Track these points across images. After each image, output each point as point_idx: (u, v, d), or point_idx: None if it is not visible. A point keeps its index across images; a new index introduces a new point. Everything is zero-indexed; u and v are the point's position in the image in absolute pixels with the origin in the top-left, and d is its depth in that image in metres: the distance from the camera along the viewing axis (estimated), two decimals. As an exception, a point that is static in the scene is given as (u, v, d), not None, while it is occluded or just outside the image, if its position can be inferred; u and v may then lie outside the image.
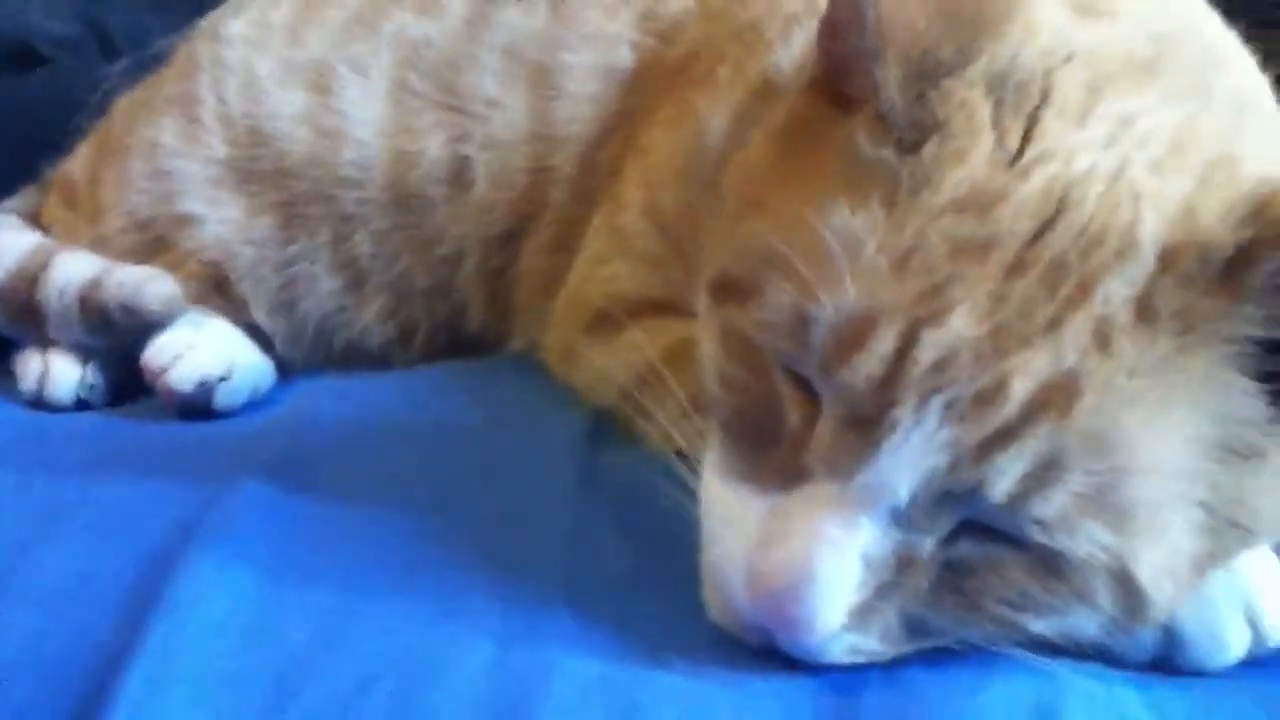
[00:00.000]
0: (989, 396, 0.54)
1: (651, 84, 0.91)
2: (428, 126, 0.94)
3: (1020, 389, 0.54)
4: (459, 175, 0.94)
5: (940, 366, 0.55)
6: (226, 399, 0.87)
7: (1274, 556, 0.65)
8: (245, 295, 0.96)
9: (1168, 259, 0.55)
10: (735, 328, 0.61)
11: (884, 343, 0.55)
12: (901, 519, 0.57)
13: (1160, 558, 0.57)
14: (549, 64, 0.93)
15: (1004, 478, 0.55)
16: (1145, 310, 0.55)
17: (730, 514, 0.60)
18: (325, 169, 0.95)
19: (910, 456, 0.55)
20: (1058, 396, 0.54)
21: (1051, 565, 0.57)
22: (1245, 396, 0.57)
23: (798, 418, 0.59)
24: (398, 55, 0.96)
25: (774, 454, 0.60)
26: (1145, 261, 0.55)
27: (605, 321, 0.83)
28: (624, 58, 0.92)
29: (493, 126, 0.93)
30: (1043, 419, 0.54)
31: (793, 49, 0.75)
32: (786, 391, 0.59)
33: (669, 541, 0.63)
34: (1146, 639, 0.62)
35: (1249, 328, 0.56)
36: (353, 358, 0.98)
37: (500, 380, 0.92)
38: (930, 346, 0.55)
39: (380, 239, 0.96)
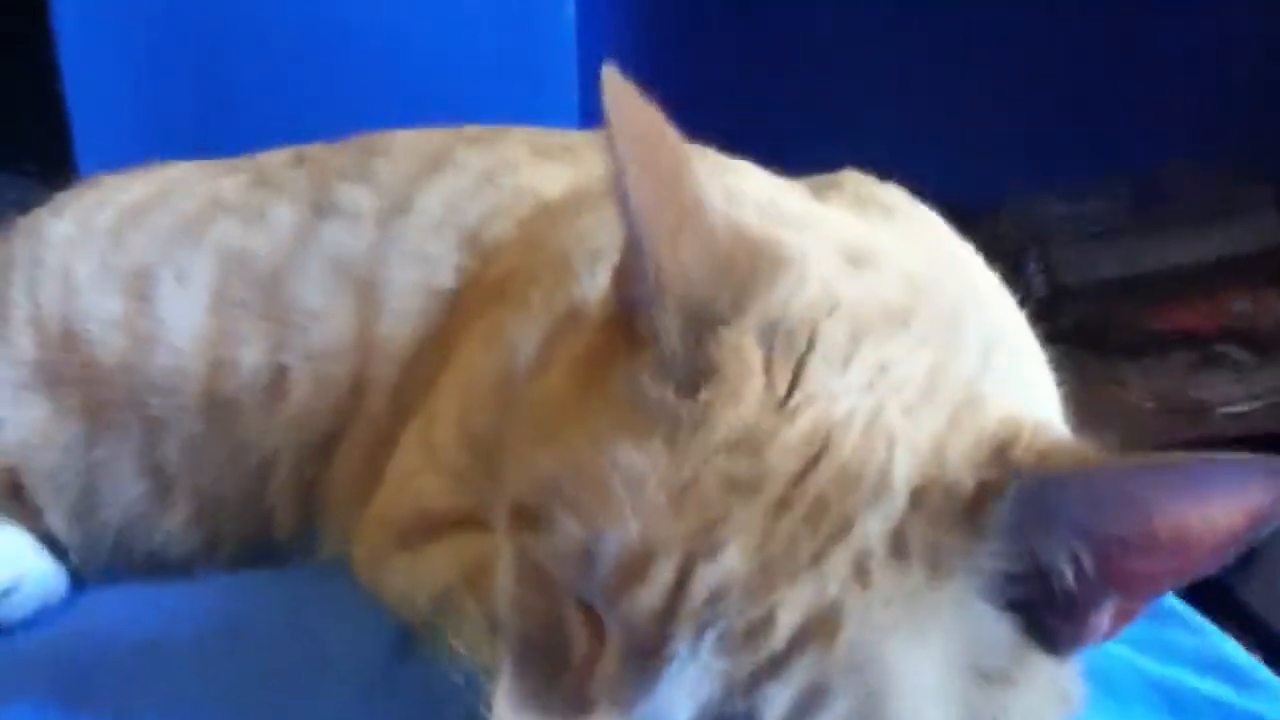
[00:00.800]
0: (758, 628, 0.57)
1: (470, 303, 0.93)
2: (246, 335, 0.95)
3: (787, 621, 0.57)
4: (275, 384, 0.94)
5: (713, 600, 0.57)
6: (12, 612, 0.84)
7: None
8: (41, 501, 0.94)
9: (918, 496, 0.59)
10: (529, 554, 0.62)
11: (662, 575, 0.57)
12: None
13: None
14: (373, 279, 0.95)
15: (773, 706, 0.57)
16: (899, 545, 0.58)
17: None
18: (138, 375, 0.95)
19: (687, 687, 0.57)
20: (821, 627, 0.57)
21: None
22: (993, 624, 0.60)
23: (585, 647, 0.60)
24: (221, 265, 0.97)
25: (563, 683, 0.60)
26: (898, 499, 0.59)
27: (413, 534, 0.84)
28: (446, 277, 0.94)
29: (313, 337, 0.94)
30: (808, 648, 0.57)
31: (598, 281, 0.79)
32: (575, 620, 0.60)
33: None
34: None
35: (992, 561, 0.59)
36: (155, 567, 0.96)
37: (305, 588, 0.91)
38: (704, 580, 0.57)
39: (190, 445, 0.95)
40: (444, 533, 0.81)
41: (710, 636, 0.57)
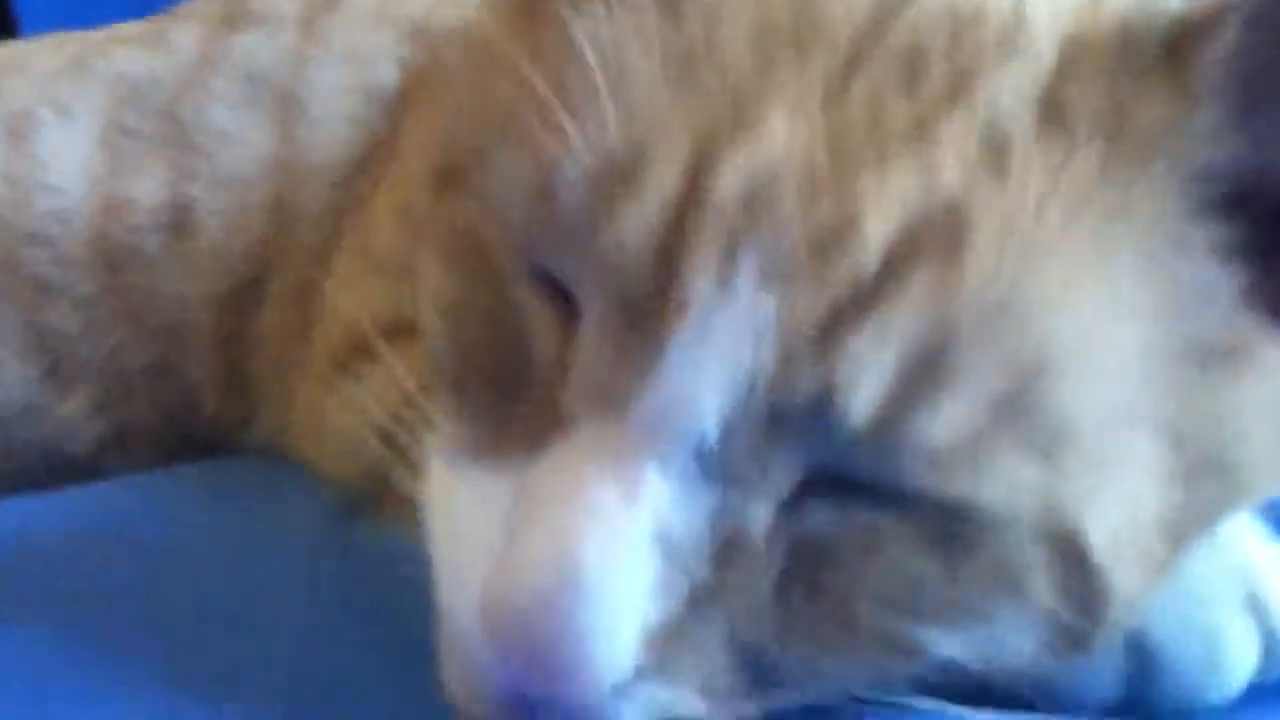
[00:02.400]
0: (830, 244, 0.36)
1: (419, 101, 0.74)
2: (143, 167, 0.76)
3: (877, 231, 0.36)
4: (180, 222, 0.75)
5: (751, 204, 0.36)
6: None
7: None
8: None
9: (1074, 47, 0.38)
10: (462, 226, 0.42)
11: (664, 180, 0.37)
12: (713, 468, 0.37)
13: (1114, 512, 0.38)
14: (294, 87, 0.77)
15: (865, 379, 0.36)
16: (1052, 112, 0.37)
17: (463, 513, 0.41)
18: (12, 227, 0.76)
19: (715, 356, 0.36)
20: (935, 241, 0.36)
21: (953, 531, 0.37)
22: (1208, 266, 0.39)
23: (550, 342, 0.40)
24: (113, 93, 0.79)
25: (520, 408, 0.40)
26: (1042, 43, 0.38)
27: (357, 354, 0.64)
28: (386, 75, 0.76)
29: (221, 162, 0.76)
30: (915, 278, 0.35)
31: None
32: (532, 308, 0.40)
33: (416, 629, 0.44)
34: (1107, 666, 0.42)
35: (1203, 145, 0.38)
36: (52, 469, 0.75)
37: (237, 475, 0.72)
38: (733, 175, 0.36)
39: (83, 310, 0.75)
40: (393, 342, 0.61)
41: (749, 264, 0.36)
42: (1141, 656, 0.42)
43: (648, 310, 0.37)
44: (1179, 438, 0.39)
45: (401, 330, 0.62)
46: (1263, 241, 0.39)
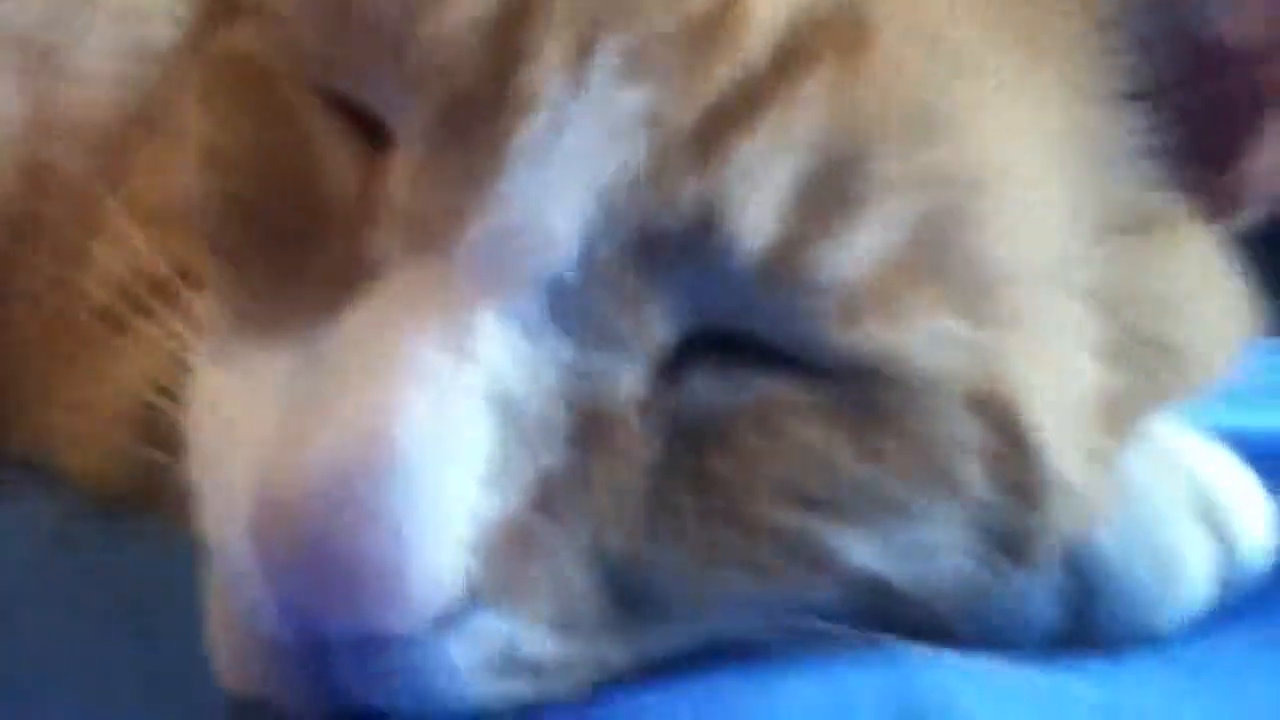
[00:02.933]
0: (710, 32, 0.29)
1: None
2: None
3: (764, 19, 0.29)
4: None
5: None
6: None
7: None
8: None
9: None
10: (242, 53, 0.34)
11: None
12: (569, 317, 0.30)
13: (1050, 387, 0.32)
14: (53, 46, 0.68)
15: (756, 194, 0.29)
16: None
17: (228, 407, 0.32)
18: None
19: (568, 166, 0.29)
20: (834, 35, 0.30)
21: (869, 402, 0.31)
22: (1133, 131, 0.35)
23: (350, 181, 0.32)
24: None
25: (310, 270, 0.32)
26: None
27: (113, 326, 0.54)
28: (159, 33, 0.68)
29: None
30: (814, 76, 0.29)
31: None
32: (327, 142, 0.32)
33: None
34: (1049, 590, 0.36)
35: None
36: None
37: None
38: None
39: None
40: (163, 298, 0.51)
41: (608, 52, 0.29)
42: (1086, 575, 0.35)
43: (481, 117, 0.29)
44: (1112, 311, 0.34)
45: (171, 282, 0.53)
46: (1183, 117, 0.35)
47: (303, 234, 0.32)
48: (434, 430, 0.28)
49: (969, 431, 0.31)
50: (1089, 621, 0.36)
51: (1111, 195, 0.34)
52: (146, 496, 0.47)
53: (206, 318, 0.35)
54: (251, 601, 0.30)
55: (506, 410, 0.29)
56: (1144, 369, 0.35)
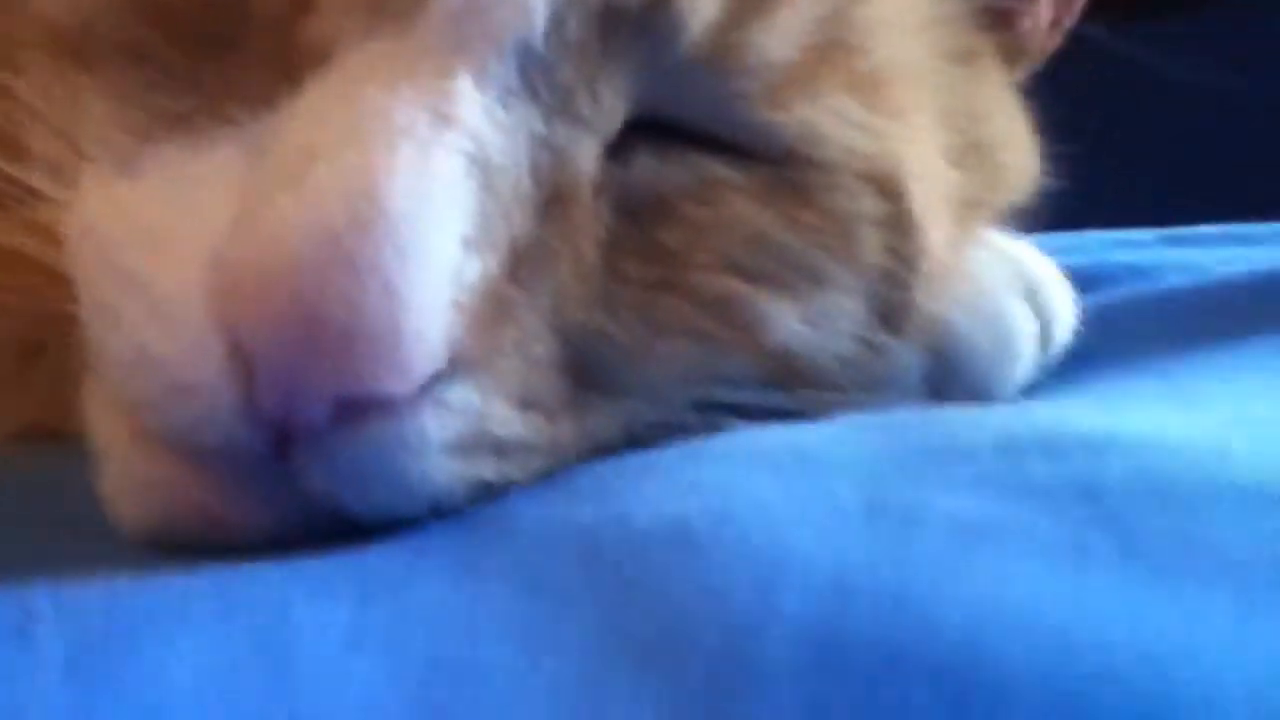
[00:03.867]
0: None
1: None
2: None
3: None
4: None
5: None
6: None
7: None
8: None
9: None
10: None
11: None
12: (537, 86, 0.31)
13: (920, 172, 0.37)
14: None
15: None
16: None
17: (156, 206, 0.31)
18: None
19: None
20: None
21: (790, 180, 0.35)
22: None
23: None
24: None
25: (237, 61, 0.32)
26: None
27: None
28: None
29: None
30: None
31: None
32: None
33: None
34: (910, 366, 0.40)
35: None
36: None
37: None
38: None
39: None
40: None
41: None
42: (943, 349, 0.40)
43: None
44: (952, 122, 0.39)
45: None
46: None
47: (218, 28, 0.32)
48: (420, 188, 0.28)
49: (867, 205, 0.35)
50: (941, 398, 0.40)
51: (947, 28, 0.39)
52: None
53: (92, 132, 0.33)
54: (199, 405, 0.29)
55: (486, 174, 0.30)
56: (978, 172, 0.40)
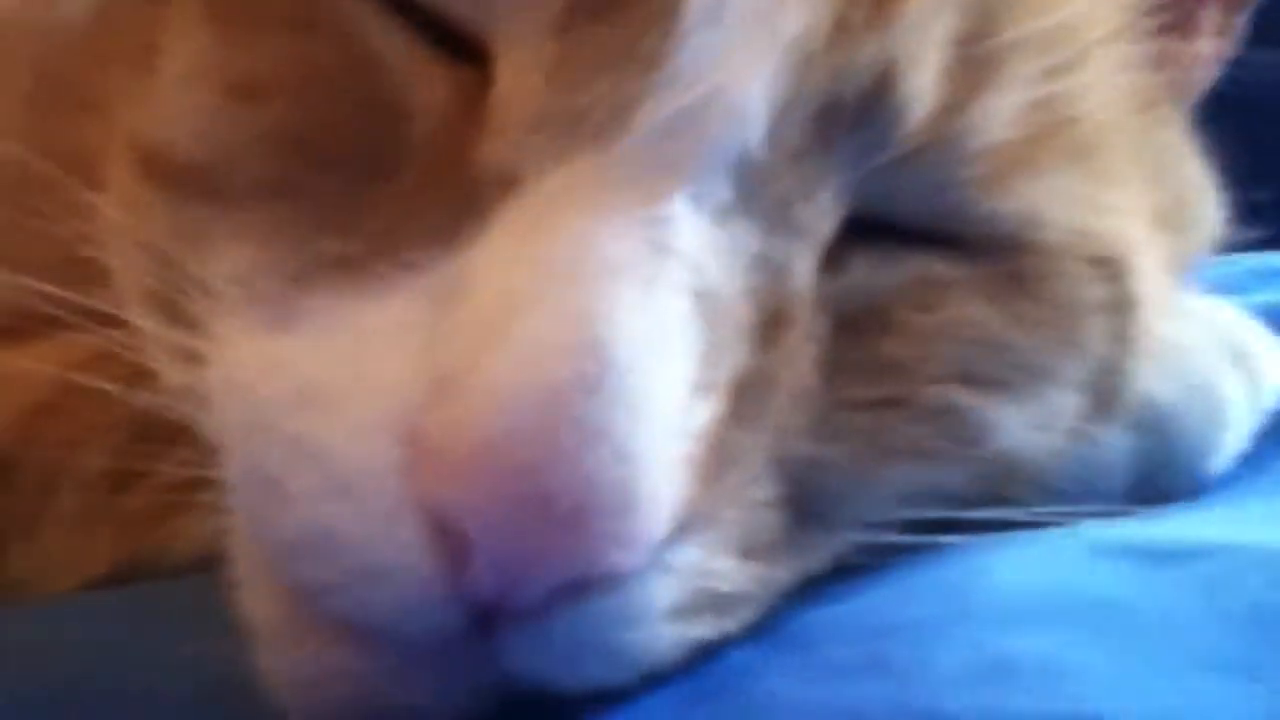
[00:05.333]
0: None
1: None
2: None
3: None
4: None
5: None
6: None
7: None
8: None
9: None
10: None
11: None
12: (754, 195, 0.28)
13: (1136, 239, 0.34)
14: None
15: (924, 52, 0.29)
16: None
17: (319, 361, 0.27)
18: None
19: (747, 23, 0.27)
20: None
21: (1014, 272, 0.32)
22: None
23: (437, 93, 0.29)
24: None
25: (399, 197, 0.29)
26: None
27: None
28: None
29: None
30: None
31: None
32: (400, 52, 0.29)
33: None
34: (1119, 446, 0.37)
35: None
36: None
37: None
38: None
39: None
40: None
41: None
42: (1151, 427, 0.36)
43: None
44: (1152, 179, 0.36)
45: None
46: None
47: (375, 154, 0.29)
48: (647, 334, 0.25)
49: (1093, 291, 0.32)
50: (1153, 479, 0.36)
51: (1135, 75, 0.35)
52: None
53: (227, 275, 0.29)
54: (394, 590, 0.25)
55: (709, 307, 0.26)
56: (1179, 233, 0.37)
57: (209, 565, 0.34)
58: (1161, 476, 0.37)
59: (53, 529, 0.41)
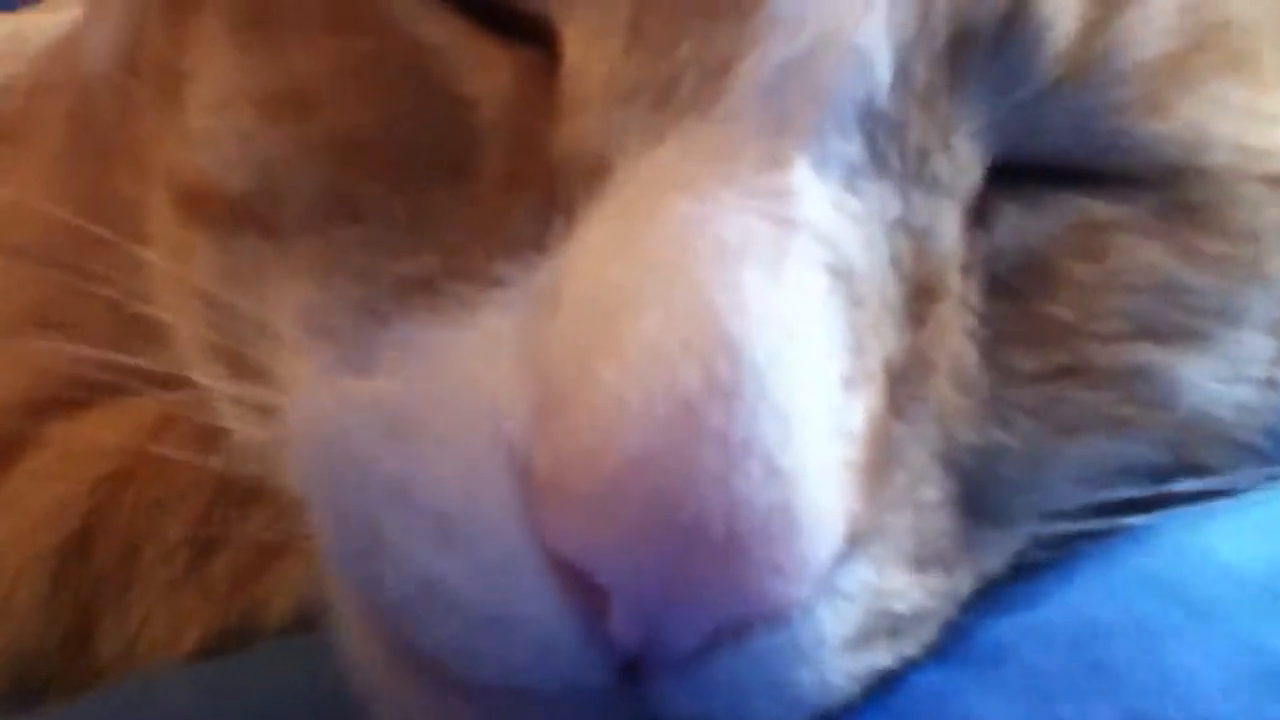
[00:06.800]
0: None
1: None
2: None
3: None
4: None
5: None
6: None
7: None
8: None
9: None
10: None
11: None
12: (886, 148, 0.24)
13: None
14: None
15: None
16: None
17: (396, 402, 0.24)
18: None
19: None
20: None
21: (1184, 202, 0.27)
22: None
23: (502, 82, 0.26)
24: None
25: (471, 200, 0.25)
26: None
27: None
28: None
29: None
30: None
31: None
32: (455, 41, 0.26)
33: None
34: None
35: None
36: None
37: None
38: None
39: None
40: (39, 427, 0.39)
41: None
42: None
43: None
44: None
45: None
46: None
47: (441, 167, 0.25)
48: (783, 324, 0.21)
49: (1273, 214, 0.28)
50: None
51: None
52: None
53: (293, 315, 0.26)
54: (524, 645, 0.22)
55: (850, 285, 0.23)
56: None
57: (308, 627, 0.31)
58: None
59: (140, 603, 0.39)
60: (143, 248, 0.31)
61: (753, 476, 0.20)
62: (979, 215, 0.25)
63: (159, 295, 0.32)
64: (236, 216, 0.27)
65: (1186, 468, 0.28)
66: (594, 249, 0.22)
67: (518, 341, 0.23)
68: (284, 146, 0.27)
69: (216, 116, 0.28)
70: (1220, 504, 0.27)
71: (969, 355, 0.25)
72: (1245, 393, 0.29)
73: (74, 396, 0.38)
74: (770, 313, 0.21)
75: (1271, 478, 0.28)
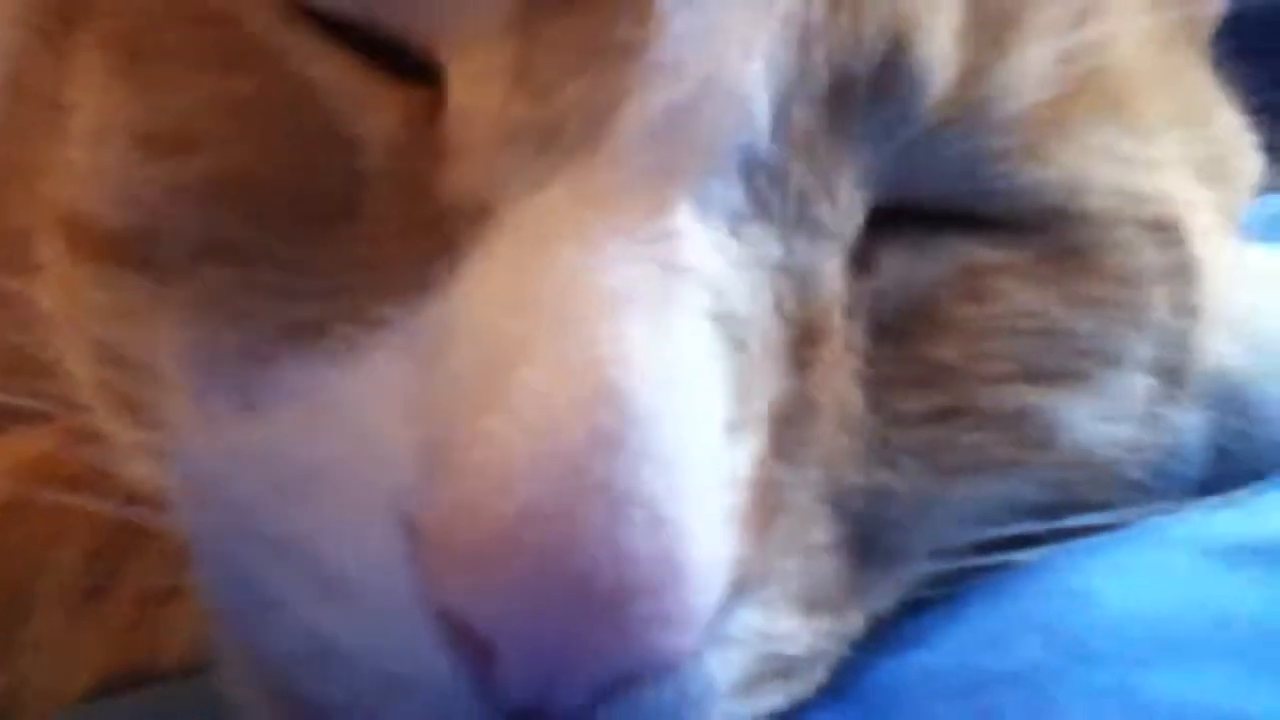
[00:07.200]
0: None
1: None
2: None
3: None
4: None
5: None
6: None
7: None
8: None
9: None
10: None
11: None
12: (767, 193, 0.24)
13: (1184, 195, 0.31)
14: None
15: (939, 14, 0.25)
16: None
17: (280, 449, 0.24)
18: None
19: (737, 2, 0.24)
20: None
21: (1064, 247, 0.28)
22: None
23: (386, 119, 0.25)
24: None
25: (355, 241, 0.25)
26: None
27: None
28: None
29: None
30: None
31: None
32: (337, 76, 0.26)
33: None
34: (1194, 435, 0.33)
35: None
36: None
37: None
38: None
39: None
40: None
41: None
42: (1225, 397, 0.33)
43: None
44: (1189, 129, 0.32)
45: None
46: None
47: (324, 208, 0.25)
48: (666, 371, 0.21)
49: (1150, 257, 0.29)
50: (1236, 457, 0.33)
51: (1152, 13, 0.32)
52: None
53: (175, 357, 0.26)
54: (414, 704, 0.22)
55: (733, 331, 0.23)
56: (1222, 186, 0.33)
57: (202, 669, 0.31)
58: (1245, 453, 0.33)
59: (30, 645, 0.38)
60: (27, 279, 0.31)
61: (637, 527, 0.20)
62: (863, 259, 0.26)
63: (49, 328, 0.32)
64: (118, 253, 0.27)
65: (1073, 505, 0.29)
66: (481, 297, 0.22)
67: (405, 389, 0.22)
68: (163, 185, 0.26)
69: (96, 151, 0.28)
70: (1107, 540, 0.28)
71: (854, 398, 0.25)
72: (1127, 431, 0.29)
73: None
74: (653, 363, 0.21)
75: (1157, 513, 0.29)
